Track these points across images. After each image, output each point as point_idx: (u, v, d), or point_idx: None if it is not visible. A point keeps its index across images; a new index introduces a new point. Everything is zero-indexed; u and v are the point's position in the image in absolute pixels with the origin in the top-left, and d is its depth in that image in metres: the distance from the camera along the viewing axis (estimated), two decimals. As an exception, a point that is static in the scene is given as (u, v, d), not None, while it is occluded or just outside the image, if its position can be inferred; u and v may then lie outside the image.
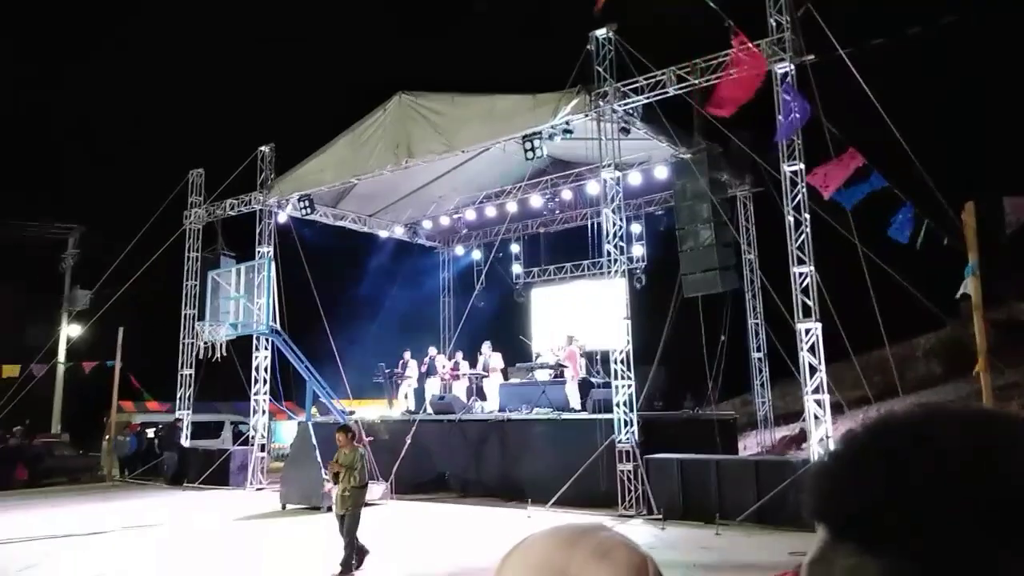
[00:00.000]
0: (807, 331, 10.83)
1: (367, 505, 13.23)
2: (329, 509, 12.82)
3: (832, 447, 0.65)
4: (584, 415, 13.43)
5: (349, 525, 8.41)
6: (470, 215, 19.75)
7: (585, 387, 14.59)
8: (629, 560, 0.73)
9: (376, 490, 13.78)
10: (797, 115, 10.78)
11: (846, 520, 0.58)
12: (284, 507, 13.45)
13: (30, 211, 24.74)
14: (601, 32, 12.84)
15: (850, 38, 10.97)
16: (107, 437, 21.20)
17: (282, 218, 17.62)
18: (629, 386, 12.10)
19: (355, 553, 8.40)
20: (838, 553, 0.58)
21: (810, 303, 10.85)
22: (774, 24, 11.32)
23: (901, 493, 0.56)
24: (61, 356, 23.63)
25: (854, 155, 10.31)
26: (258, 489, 16.32)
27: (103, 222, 24.84)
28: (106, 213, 25.78)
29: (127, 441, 20.50)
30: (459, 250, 22.12)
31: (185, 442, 18.63)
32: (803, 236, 11.04)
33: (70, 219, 25.40)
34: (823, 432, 10.57)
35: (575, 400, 14.47)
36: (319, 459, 13.24)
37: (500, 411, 15.35)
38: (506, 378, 16.85)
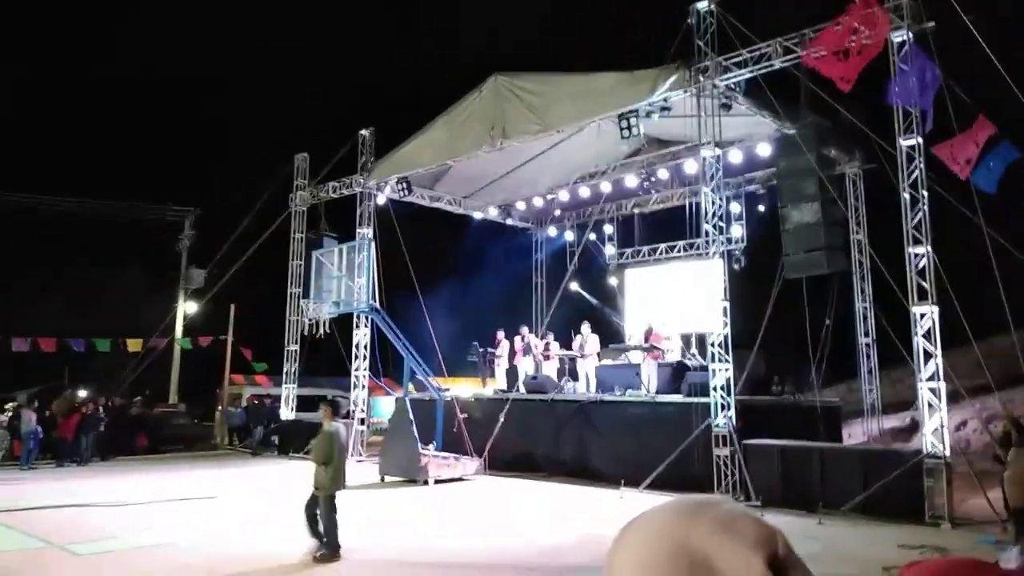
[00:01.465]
0: (922, 315, 10.22)
1: (458, 480, 13.62)
2: (425, 482, 13.25)
3: None
4: (679, 398, 13.19)
5: (307, 505, 7.66)
6: (563, 196, 19.65)
7: (680, 370, 14.31)
8: (756, 532, 0.69)
9: (470, 466, 14.09)
10: (917, 84, 10.09)
11: None
12: (383, 479, 13.91)
13: (152, 195, 26.48)
14: (703, 4, 12.43)
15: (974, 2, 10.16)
16: (219, 408, 22.54)
17: (381, 200, 18.12)
18: (727, 370, 11.79)
19: (323, 536, 7.63)
20: None
21: (926, 286, 10.21)
22: (891, -11, 10.64)
23: None
24: (178, 332, 25.17)
25: (984, 124, 9.53)
26: (358, 461, 16.93)
27: (216, 205, 26.28)
28: (219, 197, 27.25)
29: (238, 412, 21.74)
30: (552, 231, 22.06)
31: (291, 415, 19.57)
32: (920, 215, 10.36)
33: (187, 203, 27.02)
34: (937, 422, 9.98)
35: (653, 384, 14.19)
36: (416, 434, 13.62)
37: (594, 392, 15.30)
38: (599, 360, 16.75)
